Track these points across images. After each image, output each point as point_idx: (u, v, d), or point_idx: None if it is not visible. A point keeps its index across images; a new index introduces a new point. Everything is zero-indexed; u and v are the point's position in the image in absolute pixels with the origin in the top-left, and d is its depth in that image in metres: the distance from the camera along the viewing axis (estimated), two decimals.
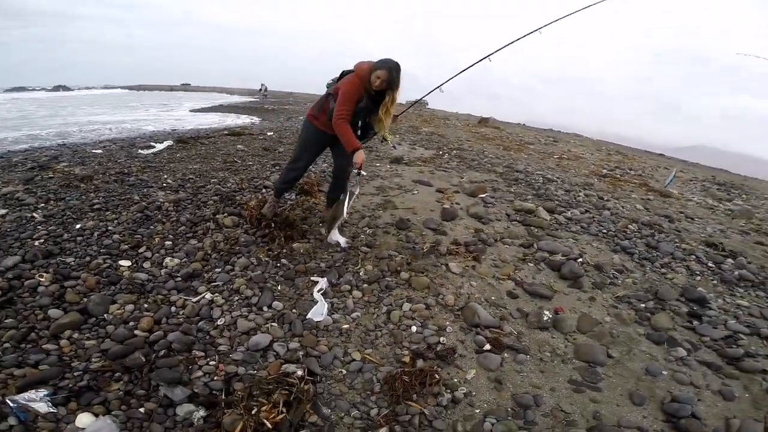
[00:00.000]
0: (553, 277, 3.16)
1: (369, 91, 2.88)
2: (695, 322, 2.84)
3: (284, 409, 1.69)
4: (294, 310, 2.45)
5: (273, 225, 3.36)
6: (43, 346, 1.97)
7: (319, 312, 2.39)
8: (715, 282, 3.56)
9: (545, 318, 2.57)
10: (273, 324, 2.31)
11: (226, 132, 8.69)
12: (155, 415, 1.72)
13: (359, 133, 3.11)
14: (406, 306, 2.58)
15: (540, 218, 4.24)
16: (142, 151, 6.15)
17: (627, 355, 2.41)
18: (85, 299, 2.30)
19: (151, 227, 3.25)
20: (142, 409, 1.73)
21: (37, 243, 2.83)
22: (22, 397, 1.67)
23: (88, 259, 2.70)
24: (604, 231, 4.21)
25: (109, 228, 3.16)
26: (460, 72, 3.63)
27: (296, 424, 1.69)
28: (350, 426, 1.78)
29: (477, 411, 1.92)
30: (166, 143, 6.74)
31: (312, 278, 2.77)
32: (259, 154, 6.47)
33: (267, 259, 2.94)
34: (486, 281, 2.97)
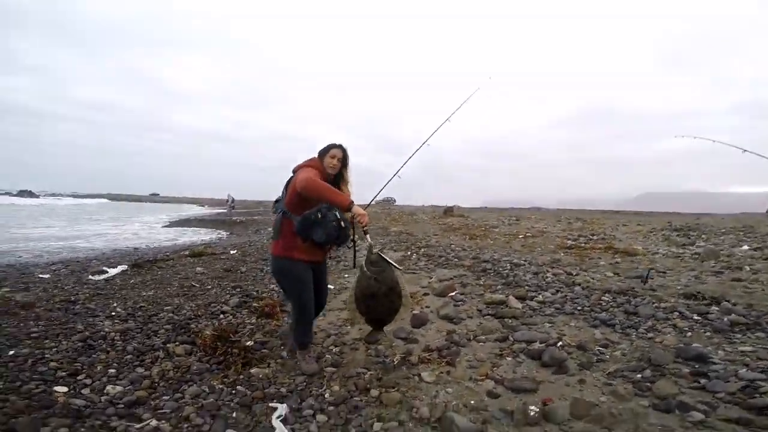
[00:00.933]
0: (535, 367, 2.89)
1: (326, 178, 2.72)
2: (703, 381, 2.56)
3: None
4: None
5: (229, 351, 3.12)
6: None
7: None
8: (708, 334, 3.36)
9: (532, 413, 2.25)
10: None
11: (186, 252, 8.39)
12: None
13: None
14: (377, 426, 2.26)
15: (512, 308, 4.10)
16: (92, 277, 5.87)
17: None
18: (13, 420, 2.16)
19: (94, 356, 3.09)
20: None
21: None
22: None
23: (18, 383, 2.59)
24: (579, 308, 4.08)
25: (46, 356, 3.02)
26: (408, 159, 3.86)
27: None
28: None
29: None
30: (120, 267, 6.46)
31: (270, 404, 2.50)
32: (220, 276, 6.23)
33: (221, 386, 2.70)
34: (463, 385, 2.67)
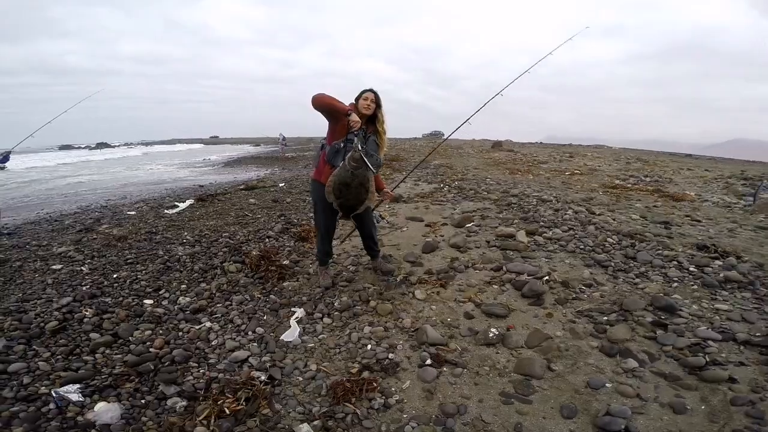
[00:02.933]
0: (515, 297, 3.31)
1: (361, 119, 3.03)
2: (659, 332, 2.80)
3: (244, 403, 2.13)
4: (272, 334, 2.91)
5: (269, 269, 3.87)
6: (84, 357, 2.62)
7: (291, 334, 2.85)
8: (695, 287, 3.52)
9: (491, 335, 2.74)
10: (253, 344, 2.78)
11: (242, 187, 9.46)
12: (151, 403, 2.23)
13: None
14: (367, 329, 2.90)
15: (517, 241, 4.40)
16: (167, 211, 6.95)
17: (570, 368, 2.48)
18: (117, 327, 2.98)
19: (171, 275, 3.97)
20: (143, 400, 2.25)
21: (84, 288, 3.65)
22: (63, 390, 2.24)
23: (121, 299, 3.46)
24: (582, 246, 4.29)
25: (138, 276, 3.91)
26: (479, 110, 4.02)
27: (251, 413, 2.10)
28: (293, 419, 2.12)
29: (404, 416, 2.14)
30: (188, 202, 7.53)
31: (292, 309, 3.23)
32: (268, 206, 7.08)
33: (260, 295, 3.48)
34: (447, 305, 3.19)
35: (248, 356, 2.63)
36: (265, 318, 3.14)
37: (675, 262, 3.93)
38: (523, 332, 2.84)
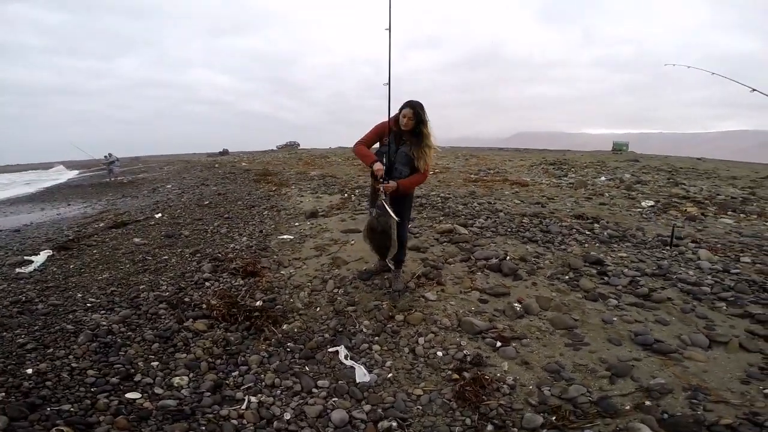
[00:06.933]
0: (499, 277, 3.89)
1: (396, 132, 3.24)
2: (606, 278, 3.82)
3: None
4: (340, 381, 2.64)
5: (249, 316, 3.36)
6: None
7: (361, 374, 2.65)
8: (598, 245, 4.77)
9: (517, 308, 3.25)
10: (335, 399, 2.49)
11: (103, 225, 7.55)
12: None
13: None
14: (421, 340, 3.00)
15: (461, 234, 5.05)
16: (20, 270, 5.08)
17: (583, 315, 3.20)
18: None
19: (122, 353, 2.94)
20: None
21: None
22: None
23: (87, 402, 2.42)
24: (509, 230, 5.23)
25: (73, 365, 2.78)
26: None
27: None
28: None
29: (531, 387, 2.46)
30: (43, 254, 5.64)
31: (329, 350, 2.95)
32: (166, 244, 5.92)
33: (270, 348, 3.01)
34: (458, 298, 3.54)
35: (349, 412, 2.36)
36: (307, 369, 2.79)
37: (574, 230, 5.19)
38: (531, 300, 3.42)
